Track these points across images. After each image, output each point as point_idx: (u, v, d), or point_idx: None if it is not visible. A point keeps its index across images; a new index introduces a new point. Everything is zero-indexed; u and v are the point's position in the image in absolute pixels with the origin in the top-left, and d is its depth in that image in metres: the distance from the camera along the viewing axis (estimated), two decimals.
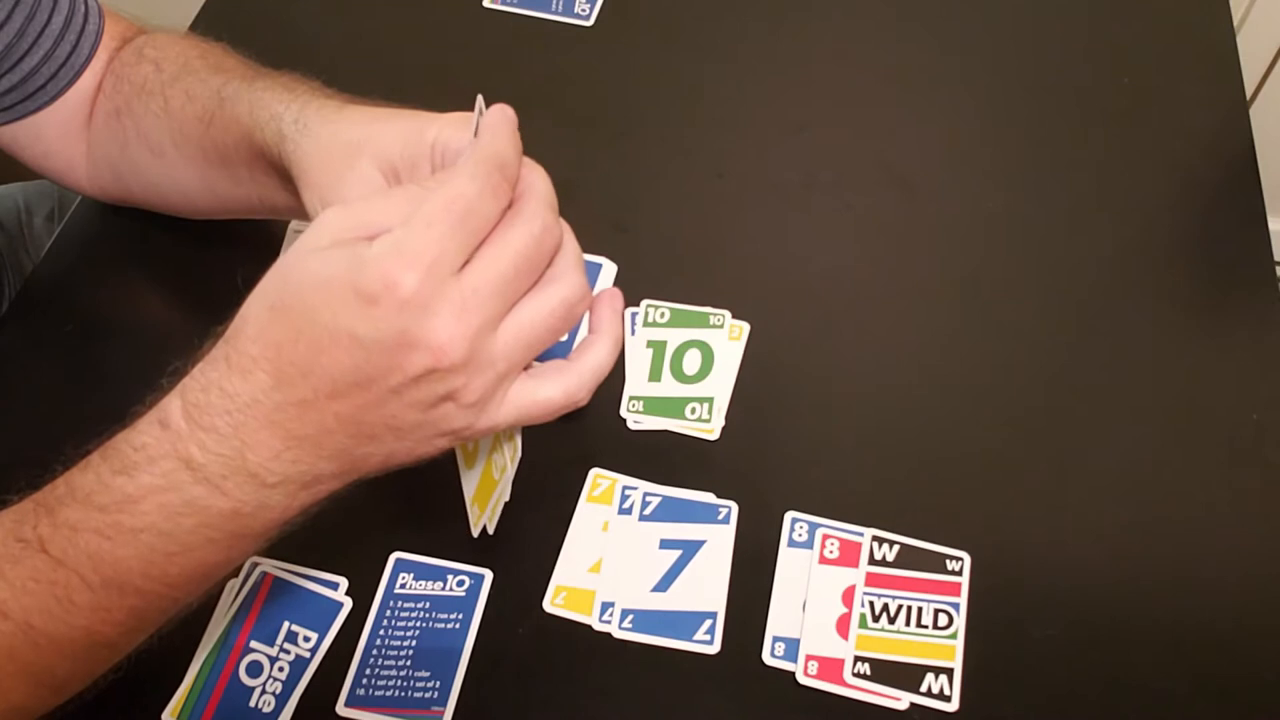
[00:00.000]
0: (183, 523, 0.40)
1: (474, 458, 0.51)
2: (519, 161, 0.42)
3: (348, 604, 0.55)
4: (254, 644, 0.54)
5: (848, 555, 0.56)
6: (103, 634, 0.42)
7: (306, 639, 0.54)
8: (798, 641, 0.54)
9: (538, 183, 0.42)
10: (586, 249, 0.65)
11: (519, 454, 0.56)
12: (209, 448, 0.39)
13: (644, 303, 0.65)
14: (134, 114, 0.60)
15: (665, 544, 0.57)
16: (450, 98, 0.76)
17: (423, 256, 0.37)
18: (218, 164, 0.57)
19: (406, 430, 0.40)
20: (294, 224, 0.69)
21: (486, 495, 0.53)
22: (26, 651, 0.41)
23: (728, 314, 0.65)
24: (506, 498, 0.56)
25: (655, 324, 0.65)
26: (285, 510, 0.41)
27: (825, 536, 0.57)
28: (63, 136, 0.63)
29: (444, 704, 0.52)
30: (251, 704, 0.52)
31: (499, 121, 0.42)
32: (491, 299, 0.39)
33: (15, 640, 0.40)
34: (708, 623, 0.55)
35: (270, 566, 0.56)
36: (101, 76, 0.62)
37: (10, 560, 0.40)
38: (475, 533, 0.53)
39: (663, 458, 0.60)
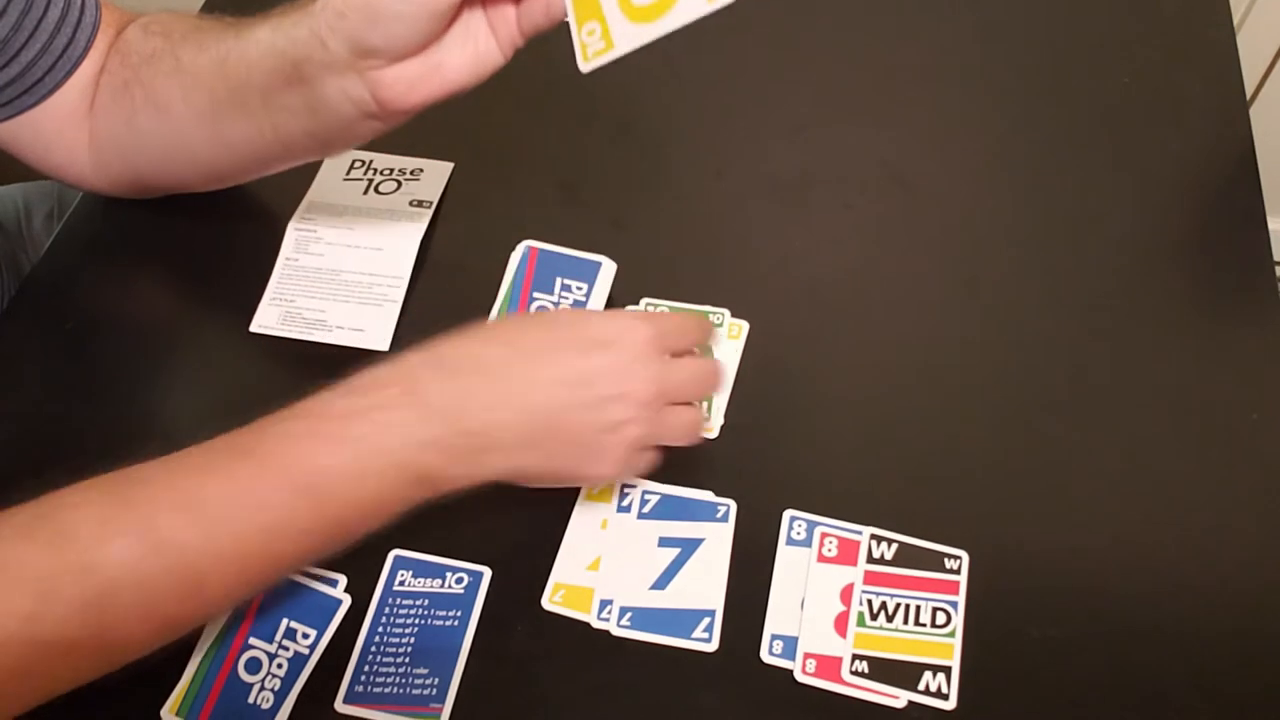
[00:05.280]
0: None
1: None
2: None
3: (346, 601, 0.55)
4: (253, 640, 0.54)
5: (846, 553, 0.56)
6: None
7: (305, 636, 0.54)
8: (796, 639, 0.54)
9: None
10: (586, 248, 0.65)
11: None
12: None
13: (644, 301, 0.66)
14: (143, 81, 0.60)
15: (664, 542, 0.57)
16: (450, 97, 0.76)
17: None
18: (227, 103, 0.58)
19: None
20: (293, 224, 0.69)
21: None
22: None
23: (727, 312, 0.65)
24: None
25: None
26: (461, 473, 0.51)
27: (824, 535, 0.57)
28: (63, 129, 0.63)
29: (442, 701, 0.52)
30: (250, 700, 0.52)
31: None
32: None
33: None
34: (706, 620, 0.55)
35: None
36: (101, 65, 0.63)
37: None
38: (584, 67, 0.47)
39: (661, 455, 0.60)
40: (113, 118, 0.62)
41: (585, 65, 0.47)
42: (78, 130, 0.63)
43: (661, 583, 0.56)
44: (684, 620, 0.55)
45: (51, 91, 0.62)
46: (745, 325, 0.65)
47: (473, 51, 0.53)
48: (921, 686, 0.53)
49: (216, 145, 0.60)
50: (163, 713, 0.52)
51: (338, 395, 0.49)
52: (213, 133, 0.60)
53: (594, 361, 0.51)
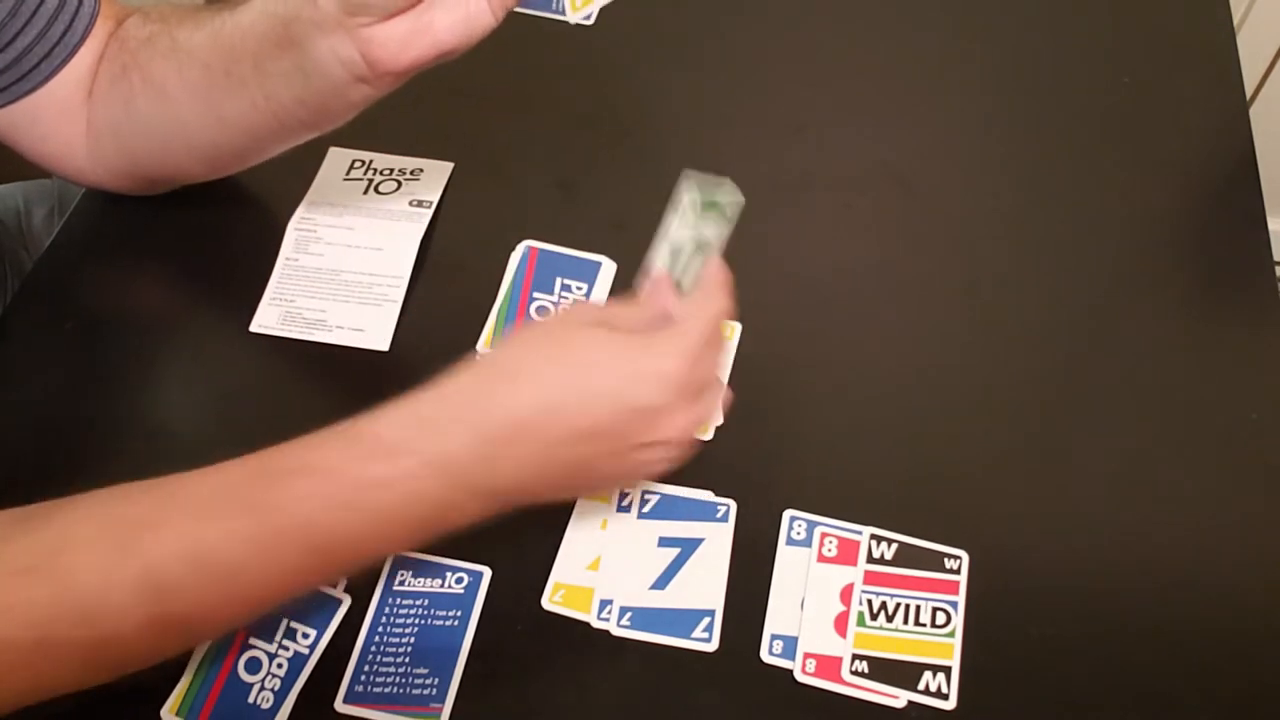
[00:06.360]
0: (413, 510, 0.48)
1: None
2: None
3: (346, 601, 0.55)
4: (253, 640, 0.54)
5: (846, 553, 0.56)
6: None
7: (305, 635, 0.54)
8: (796, 639, 0.54)
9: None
10: (586, 248, 0.66)
11: None
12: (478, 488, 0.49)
13: None
14: (140, 64, 0.61)
15: (664, 542, 0.57)
16: (451, 95, 0.77)
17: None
18: (220, 75, 0.58)
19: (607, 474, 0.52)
20: (293, 224, 0.69)
21: None
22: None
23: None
24: None
25: None
26: (475, 516, 0.49)
27: (823, 535, 0.57)
28: (60, 116, 0.63)
29: (442, 701, 0.52)
30: (250, 700, 0.52)
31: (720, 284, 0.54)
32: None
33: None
34: (706, 620, 0.55)
35: None
36: (99, 54, 0.63)
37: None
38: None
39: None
40: (110, 104, 0.63)
41: (573, 16, 0.48)
42: (75, 119, 0.64)
43: (661, 583, 0.56)
44: (684, 620, 0.55)
45: (48, 78, 0.62)
46: (737, 327, 0.65)
47: (464, 13, 0.53)
48: (921, 686, 0.53)
49: (211, 124, 0.61)
50: (163, 713, 0.52)
51: (355, 455, 0.47)
52: (207, 109, 0.60)
53: (627, 419, 0.48)
